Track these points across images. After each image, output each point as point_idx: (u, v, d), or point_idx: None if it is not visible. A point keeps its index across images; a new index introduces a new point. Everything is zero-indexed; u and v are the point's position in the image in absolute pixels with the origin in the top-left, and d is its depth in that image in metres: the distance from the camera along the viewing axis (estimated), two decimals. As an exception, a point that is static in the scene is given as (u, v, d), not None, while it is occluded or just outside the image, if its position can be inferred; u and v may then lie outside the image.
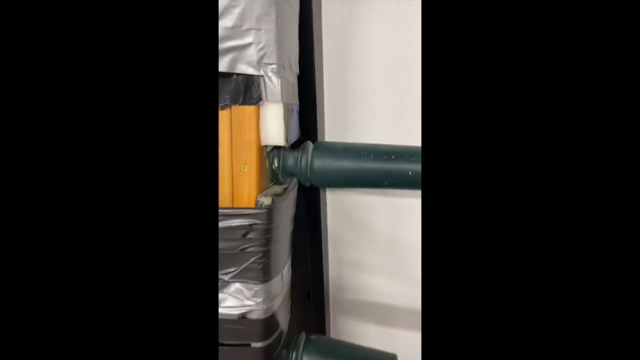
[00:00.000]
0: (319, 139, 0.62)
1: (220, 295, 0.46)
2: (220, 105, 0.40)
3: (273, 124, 0.41)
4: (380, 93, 0.64)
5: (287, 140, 0.43)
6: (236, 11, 0.36)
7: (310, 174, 0.45)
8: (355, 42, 0.61)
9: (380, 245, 0.79)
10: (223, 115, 0.40)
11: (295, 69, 0.46)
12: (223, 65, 0.37)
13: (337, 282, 0.87)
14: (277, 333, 0.53)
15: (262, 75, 0.39)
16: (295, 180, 0.51)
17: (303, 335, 0.59)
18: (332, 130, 0.68)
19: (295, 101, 0.47)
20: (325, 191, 0.71)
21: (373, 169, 0.43)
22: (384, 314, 0.88)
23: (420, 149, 0.45)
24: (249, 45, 0.37)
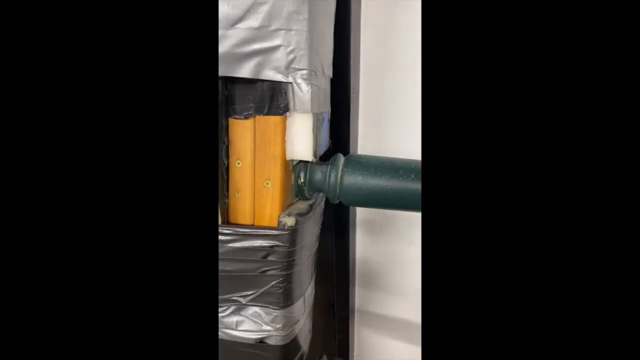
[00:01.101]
0: (352, 149, 0.57)
1: (237, 318, 0.42)
2: (243, 114, 0.36)
3: (301, 137, 0.36)
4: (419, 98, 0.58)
5: (315, 154, 0.38)
6: (263, 9, 0.31)
7: (340, 191, 0.41)
8: (398, 42, 0.54)
9: (409, 261, 0.73)
10: (246, 126, 0.36)
11: (329, 72, 0.41)
12: (247, 71, 0.33)
13: (363, 295, 0.82)
14: (297, 357, 0.50)
15: (291, 82, 0.34)
16: (322, 194, 0.46)
17: (324, 358, 0.55)
18: (366, 140, 0.63)
19: (326, 109, 0.42)
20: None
21: (412, 190, 0.38)
22: (410, 331, 0.82)
23: None
24: (277, 48, 0.33)
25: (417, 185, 0.38)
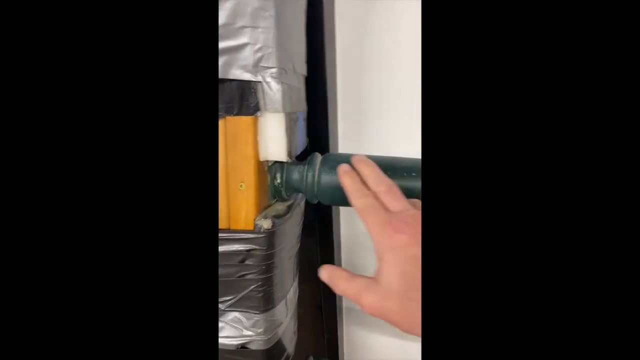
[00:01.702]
0: (331, 149, 0.56)
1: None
2: (213, 115, 0.35)
3: (273, 137, 0.36)
4: (402, 97, 0.57)
5: (290, 154, 0.38)
6: (227, 6, 0.30)
7: (318, 190, 0.40)
8: (375, 38, 0.54)
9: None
10: (217, 127, 0.35)
11: (302, 70, 0.40)
12: (214, 71, 0.32)
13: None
14: (281, 360, 0.49)
15: (260, 81, 0.33)
16: (301, 194, 0.45)
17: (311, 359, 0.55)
18: (346, 138, 0.62)
19: (301, 108, 0.41)
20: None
21: None
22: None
23: None
24: (243, 46, 0.32)
25: (395, 183, 0.37)
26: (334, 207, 0.66)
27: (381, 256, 0.26)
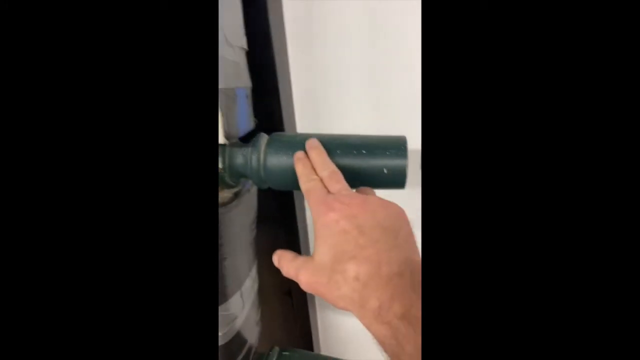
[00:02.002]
0: (287, 127, 0.53)
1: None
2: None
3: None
4: (359, 68, 0.54)
5: (228, 135, 0.34)
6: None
7: (265, 174, 0.37)
8: (326, 5, 0.50)
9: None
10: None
11: (238, 42, 0.37)
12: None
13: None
14: (243, 353, 0.47)
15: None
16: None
17: (276, 350, 0.53)
18: (304, 116, 0.59)
19: (240, 84, 0.38)
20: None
21: (343, 167, 0.35)
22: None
23: (400, 139, 0.37)
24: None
25: (344, 161, 0.35)
26: (296, 193, 0.64)
27: (316, 233, 0.28)
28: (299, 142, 0.37)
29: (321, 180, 0.31)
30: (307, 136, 0.38)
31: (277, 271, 0.75)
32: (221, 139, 0.34)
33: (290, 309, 0.76)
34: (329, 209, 0.27)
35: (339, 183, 0.31)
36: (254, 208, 0.44)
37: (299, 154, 0.35)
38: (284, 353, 0.52)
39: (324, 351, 0.93)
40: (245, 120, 0.39)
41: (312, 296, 0.82)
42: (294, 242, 0.65)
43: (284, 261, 0.30)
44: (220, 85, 0.32)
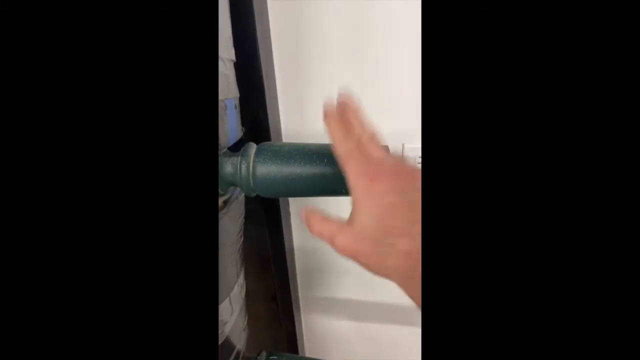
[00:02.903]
0: (274, 138, 0.54)
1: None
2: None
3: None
4: (347, 78, 0.55)
5: (219, 145, 0.35)
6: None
7: (254, 183, 0.38)
8: (312, 13, 0.51)
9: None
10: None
11: (227, 55, 0.38)
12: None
13: (306, 282, 0.82)
14: (231, 358, 0.47)
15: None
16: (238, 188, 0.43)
17: (263, 355, 0.54)
18: (289, 127, 0.60)
19: (230, 95, 0.38)
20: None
21: (328, 175, 0.36)
22: (358, 309, 0.84)
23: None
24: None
25: (332, 170, 0.36)
26: (281, 199, 0.65)
27: (357, 202, 0.26)
28: (286, 152, 0.38)
29: (358, 142, 0.28)
30: (296, 146, 0.39)
31: (263, 274, 0.75)
32: (212, 150, 0.34)
33: (275, 313, 0.77)
34: (373, 179, 0.26)
35: (380, 149, 0.28)
36: (241, 215, 0.45)
37: (330, 110, 0.31)
38: (271, 357, 0.52)
39: (308, 354, 0.94)
40: (234, 130, 0.40)
41: (297, 300, 0.83)
42: (279, 243, 0.66)
43: (314, 221, 0.29)
44: (211, 97, 0.33)
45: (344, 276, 0.79)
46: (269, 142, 0.40)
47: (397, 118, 0.56)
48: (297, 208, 0.70)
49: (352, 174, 0.27)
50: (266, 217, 0.63)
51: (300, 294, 0.84)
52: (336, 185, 0.36)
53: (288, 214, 0.69)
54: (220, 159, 0.38)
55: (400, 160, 0.28)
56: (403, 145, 0.58)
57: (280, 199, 0.64)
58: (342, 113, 0.30)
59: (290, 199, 0.69)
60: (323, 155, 0.37)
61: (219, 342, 0.43)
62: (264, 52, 0.49)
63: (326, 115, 0.30)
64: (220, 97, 0.35)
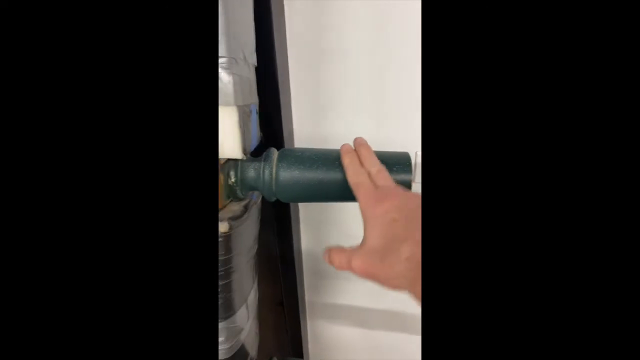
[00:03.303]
0: (286, 142, 0.54)
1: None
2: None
3: (227, 133, 0.33)
4: (359, 85, 0.56)
5: (245, 150, 0.35)
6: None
7: (276, 188, 0.38)
8: (328, 23, 0.52)
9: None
10: (160, 124, 0.32)
11: (252, 60, 0.38)
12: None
13: (313, 288, 0.81)
14: (245, 365, 0.47)
15: (208, 73, 0.30)
16: (257, 192, 0.43)
17: (275, 361, 0.53)
18: (301, 132, 0.60)
19: (253, 100, 0.39)
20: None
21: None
22: (364, 316, 0.83)
23: (404, 155, 0.39)
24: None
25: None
26: (292, 206, 0.65)
27: (366, 223, 0.30)
28: (308, 158, 0.38)
29: (369, 174, 0.34)
30: (317, 152, 0.39)
31: (271, 279, 0.75)
32: (239, 155, 0.34)
33: (282, 318, 0.77)
34: (378, 202, 0.30)
35: (386, 180, 0.33)
36: (258, 220, 0.45)
37: (347, 147, 0.37)
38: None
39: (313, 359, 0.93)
40: (255, 135, 0.40)
41: (304, 306, 0.83)
42: (287, 248, 0.66)
43: (335, 255, 0.31)
44: (238, 102, 0.33)
45: (350, 282, 0.79)
46: (290, 148, 0.40)
47: (413, 125, 0.56)
48: (306, 214, 0.70)
49: (362, 200, 0.31)
50: (276, 223, 0.63)
51: (306, 300, 0.83)
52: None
53: (297, 219, 0.69)
54: (242, 163, 0.38)
55: (402, 188, 0.33)
56: (416, 153, 0.58)
57: (291, 205, 0.64)
58: (356, 150, 0.36)
59: (301, 205, 0.69)
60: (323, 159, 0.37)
61: (235, 350, 0.43)
62: (280, 57, 0.49)
63: (343, 152, 0.36)
64: (247, 101, 0.35)
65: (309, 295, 0.83)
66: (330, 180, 0.37)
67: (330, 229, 0.72)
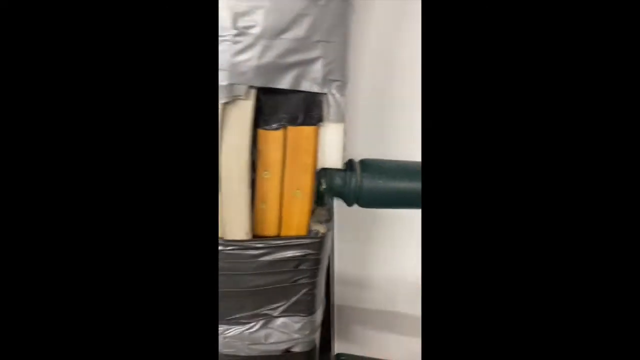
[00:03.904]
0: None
1: (266, 331, 0.41)
2: (274, 125, 0.35)
3: (333, 146, 0.37)
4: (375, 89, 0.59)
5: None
6: (306, 21, 0.31)
7: (361, 195, 0.42)
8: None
9: (381, 253, 0.77)
10: (276, 136, 0.36)
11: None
12: (287, 82, 0.33)
13: (340, 292, 0.85)
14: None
15: (326, 93, 0.34)
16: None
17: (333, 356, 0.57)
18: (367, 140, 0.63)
19: (343, 117, 0.43)
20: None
21: (410, 191, 0.41)
22: (384, 320, 0.87)
23: None
24: (316, 59, 0.33)
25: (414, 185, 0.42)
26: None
27: None
28: (389, 168, 0.43)
29: None
30: (395, 163, 0.44)
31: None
32: (340, 165, 0.39)
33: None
34: None
35: None
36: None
37: None
38: (342, 357, 0.55)
39: None
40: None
41: (333, 310, 0.86)
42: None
43: None
44: (346, 120, 0.37)
45: (375, 286, 0.83)
46: (368, 159, 0.45)
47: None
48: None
49: None
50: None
51: (334, 302, 0.87)
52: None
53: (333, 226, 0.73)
54: (330, 172, 0.42)
55: None
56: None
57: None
58: None
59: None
60: (420, 172, 0.42)
61: (313, 346, 0.46)
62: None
63: None
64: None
65: (337, 297, 0.86)
66: (407, 189, 0.42)
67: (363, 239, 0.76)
